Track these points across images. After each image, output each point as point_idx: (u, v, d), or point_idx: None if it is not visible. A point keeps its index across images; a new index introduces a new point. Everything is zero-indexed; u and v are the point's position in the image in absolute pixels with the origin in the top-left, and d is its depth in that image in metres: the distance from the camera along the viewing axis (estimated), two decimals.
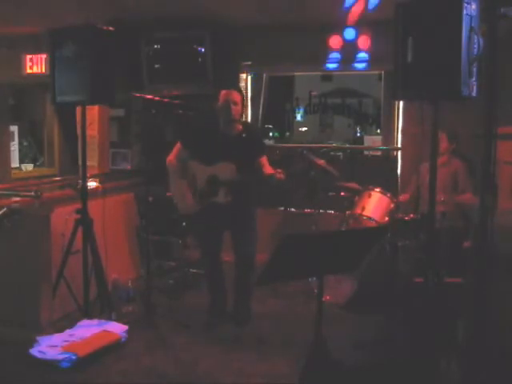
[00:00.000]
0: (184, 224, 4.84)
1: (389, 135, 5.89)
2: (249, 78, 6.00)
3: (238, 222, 3.96)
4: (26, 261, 3.65)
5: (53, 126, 7.41)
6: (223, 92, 3.86)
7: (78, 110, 4.54)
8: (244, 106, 3.97)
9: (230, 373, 3.28)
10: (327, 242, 2.60)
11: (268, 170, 3.84)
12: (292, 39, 5.34)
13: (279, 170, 3.70)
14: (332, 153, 7.26)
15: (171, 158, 4.01)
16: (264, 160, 3.91)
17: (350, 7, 4.64)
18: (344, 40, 5.24)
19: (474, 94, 2.66)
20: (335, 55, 5.36)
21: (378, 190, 4.51)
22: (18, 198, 3.75)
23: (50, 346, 3.35)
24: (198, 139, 3.96)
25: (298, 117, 21.66)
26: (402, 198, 4.66)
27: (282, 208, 5.61)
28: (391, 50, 2.77)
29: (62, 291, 3.81)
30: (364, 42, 5.18)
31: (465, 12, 2.52)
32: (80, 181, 3.93)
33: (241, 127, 3.94)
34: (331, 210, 5.37)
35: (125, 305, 4.24)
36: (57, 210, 3.83)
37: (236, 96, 3.84)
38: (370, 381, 3.05)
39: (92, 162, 5.44)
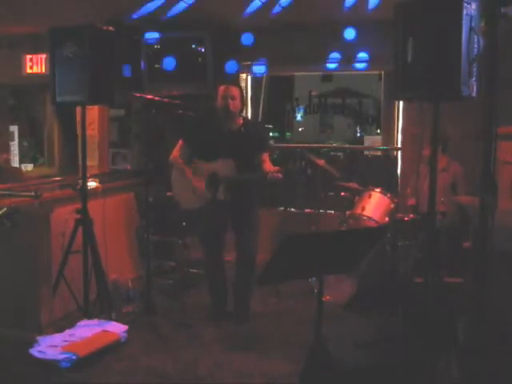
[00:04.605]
0: (184, 224, 4.84)
1: (389, 135, 5.89)
2: (249, 78, 6.00)
3: (239, 220, 3.96)
4: (25, 261, 3.65)
5: (53, 125, 7.42)
6: (221, 87, 3.86)
7: (78, 110, 4.54)
8: (243, 102, 3.96)
9: (230, 373, 3.28)
10: (327, 242, 2.60)
11: (267, 166, 3.82)
12: (292, 39, 5.34)
13: (277, 169, 3.69)
14: (332, 153, 7.28)
15: (175, 153, 4.02)
16: (265, 156, 3.90)
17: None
18: (344, 40, 5.24)
19: (473, 94, 2.66)
20: (335, 55, 5.37)
21: (378, 190, 4.51)
22: (18, 198, 3.75)
23: (50, 346, 3.35)
24: (198, 136, 3.97)
25: (298, 117, 21.67)
26: (411, 202, 4.62)
27: (282, 208, 5.61)
28: (391, 50, 2.77)
29: (62, 291, 3.81)
30: (364, 42, 5.18)
31: (465, 12, 2.52)
32: (80, 181, 3.93)
33: (241, 122, 3.94)
34: (331, 210, 5.37)
35: (125, 305, 4.24)
36: (57, 210, 3.83)
37: (234, 91, 3.84)
38: (371, 381, 3.05)
39: (92, 161, 5.45)
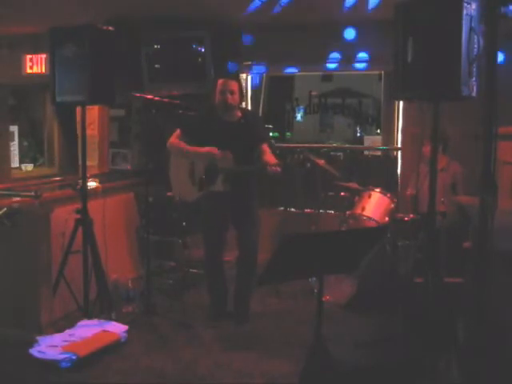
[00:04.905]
0: (184, 224, 4.85)
1: (389, 135, 5.89)
2: (249, 78, 6.00)
3: (239, 214, 3.95)
4: (25, 261, 3.65)
5: (53, 126, 7.40)
6: (220, 81, 3.87)
7: (78, 110, 4.54)
8: (243, 95, 3.96)
9: (230, 373, 3.28)
10: (327, 242, 2.60)
11: (268, 157, 3.78)
12: (292, 39, 5.34)
13: (276, 162, 3.68)
14: (332, 153, 7.27)
15: (172, 139, 4.01)
16: (265, 147, 3.86)
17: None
18: (344, 40, 5.24)
19: (473, 94, 2.66)
20: (335, 55, 5.37)
21: (377, 190, 4.51)
22: (18, 198, 3.75)
23: (50, 346, 3.35)
24: (196, 127, 3.97)
25: (298, 117, 21.67)
26: (409, 192, 4.63)
27: (282, 208, 5.61)
28: (391, 50, 2.77)
29: (62, 291, 3.81)
30: (364, 42, 5.19)
31: (465, 12, 2.52)
32: (80, 181, 3.93)
33: (240, 114, 3.94)
34: (331, 210, 5.37)
35: (125, 305, 4.24)
36: (57, 210, 3.83)
37: (233, 84, 3.84)
38: (371, 381, 3.05)
39: (92, 161, 5.45)
